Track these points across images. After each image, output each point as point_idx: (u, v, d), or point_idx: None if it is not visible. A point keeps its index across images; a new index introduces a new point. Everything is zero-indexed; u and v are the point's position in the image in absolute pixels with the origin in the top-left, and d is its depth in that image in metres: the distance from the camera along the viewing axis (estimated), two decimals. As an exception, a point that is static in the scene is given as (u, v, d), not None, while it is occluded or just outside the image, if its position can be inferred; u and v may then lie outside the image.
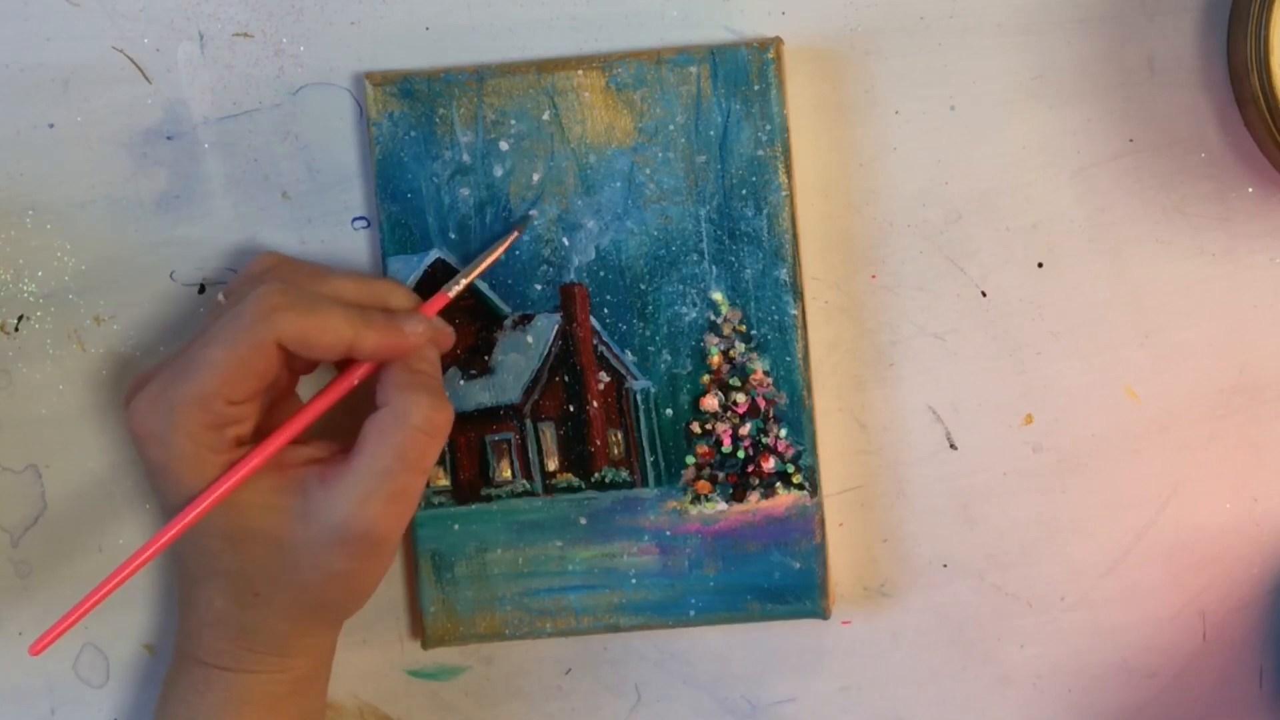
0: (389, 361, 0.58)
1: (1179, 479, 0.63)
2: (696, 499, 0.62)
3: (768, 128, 0.60)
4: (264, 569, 0.57)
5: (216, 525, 0.56)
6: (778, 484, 0.62)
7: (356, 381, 0.58)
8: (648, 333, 0.62)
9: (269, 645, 0.58)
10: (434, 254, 0.62)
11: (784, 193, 0.61)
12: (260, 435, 0.57)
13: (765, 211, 0.61)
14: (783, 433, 0.62)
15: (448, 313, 0.61)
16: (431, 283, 0.62)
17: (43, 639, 0.55)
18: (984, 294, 0.63)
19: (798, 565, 0.62)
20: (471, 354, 0.62)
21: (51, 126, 0.63)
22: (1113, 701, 0.65)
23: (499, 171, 0.61)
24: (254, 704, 0.59)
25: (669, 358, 0.62)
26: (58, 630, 0.55)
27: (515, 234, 0.61)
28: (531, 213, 0.61)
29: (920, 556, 0.64)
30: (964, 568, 0.64)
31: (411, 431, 0.56)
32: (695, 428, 0.62)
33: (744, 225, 0.61)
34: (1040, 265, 0.62)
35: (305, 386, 0.62)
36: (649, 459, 0.62)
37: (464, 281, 0.60)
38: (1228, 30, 0.61)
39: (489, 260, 0.61)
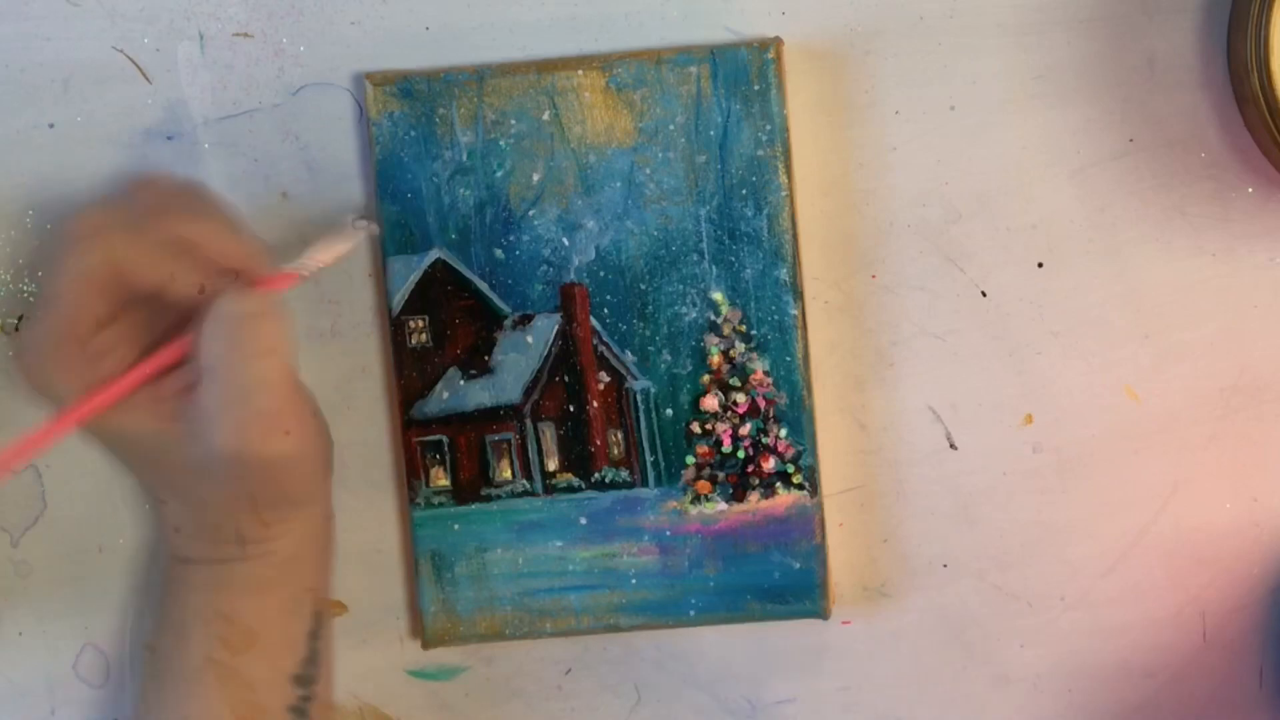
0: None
1: (1179, 479, 0.63)
2: (696, 499, 0.62)
3: (768, 128, 0.60)
4: (183, 486, 0.56)
5: (121, 451, 0.57)
6: (778, 484, 0.62)
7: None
8: (648, 333, 0.62)
9: (237, 537, 0.57)
10: (434, 254, 0.62)
11: (784, 193, 0.61)
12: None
13: (765, 211, 0.61)
14: (783, 433, 0.62)
15: (450, 310, 0.61)
16: (431, 283, 0.62)
17: None
18: (984, 294, 0.63)
19: (798, 565, 0.62)
20: (471, 354, 0.62)
21: (51, 126, 0.63)
22: (1113, 701, 0.65)
23: (499, 171, 0.61)
24: (238, 588, 0.57)
25: (669, 358, 0.62)
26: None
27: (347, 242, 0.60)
28: (361, 222, 0.61)
29: (920, 556, 0.64)
30: (964, 568, 0.64)
31: (226, 323, 0.54)
32: (695, 428, 0.62)
33: (744, 225, 0.61)
34: (1040, 265, 0.62)
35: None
36: (649, 459, 0.62)
37: (303, 270, 0.58)
38: (1228, 30, 0.61)
39: (325, 255, 0.59)
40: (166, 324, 0.57)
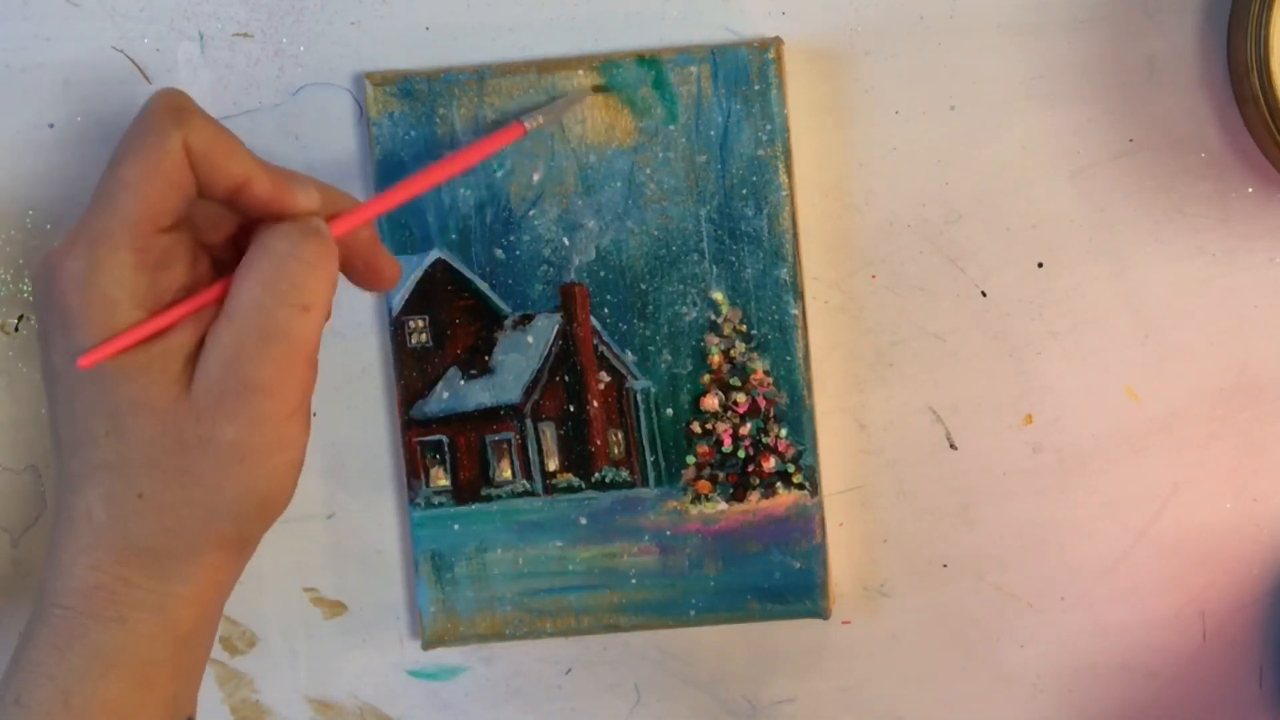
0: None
1: (1179, 479, 0.63)
2: (697, 499, 0.62)
3: (768, 127, 0.60)
4: (147, 454, 0.50)
5: (97, 401, 0.50)
6: (778, 484, 0.62)
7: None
8: (648, 332, 0.62)
9: (152, 572, 0.51)
10: (434, 254, 0.62)
11: (784, 192, 0.61)
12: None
13: (766, 211, 0.61)
14: (783, 432, 0.62)
15: (450, 309, 0.61)
16: (432, 283, 0.62)
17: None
18: (984, 294, 0.63)
19: (798, 565, 0.62)
20: (472, 354, 0.62)
21: (51, 126, 0.63)
22: (1113, 701, 0.65)
23: (499, 171, 0.61)
24: (124, 668, 0.51)
25: (669, 357, 0.62)
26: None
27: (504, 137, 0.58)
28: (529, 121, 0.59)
29: (920, 556, 0.64)
30: (964, 568, 0.64)
31: (278, 259, 0.50)
32: (695, 427, 0.62)
33: (744, 225, 0.61)
34: (1040, 265, 0.62)
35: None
36: (649, 459, 0.62)
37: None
38: (1228, 30, 0.61)
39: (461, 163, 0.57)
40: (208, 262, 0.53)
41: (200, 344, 0.51)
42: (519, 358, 0.62)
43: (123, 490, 0.51)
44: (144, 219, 0.50)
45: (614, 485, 0.62)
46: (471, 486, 0.63)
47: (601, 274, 0.62)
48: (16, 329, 0.64)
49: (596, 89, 0.60)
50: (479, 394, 0.63)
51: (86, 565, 0.51)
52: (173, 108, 0.51)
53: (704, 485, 0.62)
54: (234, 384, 0.50)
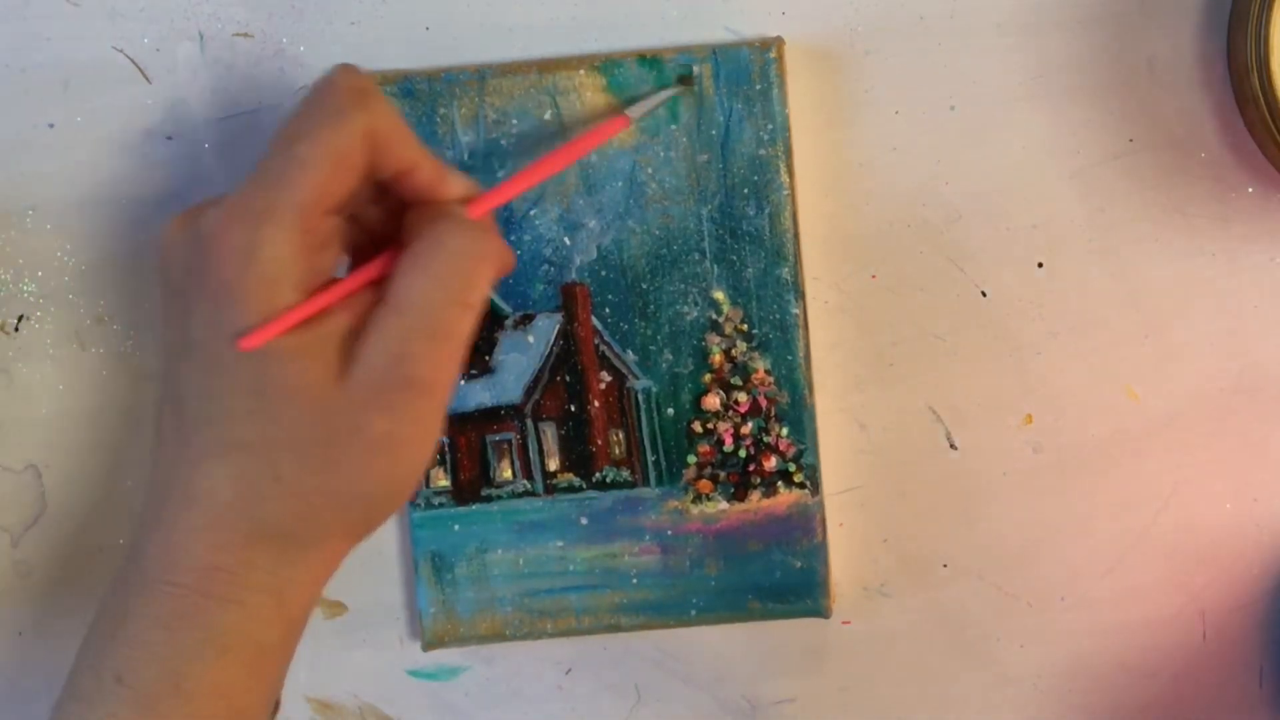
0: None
1: (1179, 479, 0.63)
2: (698, 498, 0.62)
3: (769, 127, 0.61)
4: (292, 437, 0.49)
5: (244, 379, 0.49)
6: (779, 483, 0.62)
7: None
8: (649, 332, 0.62)
9: (276, 556, 0.50)
10: (435, 254, 0.62)
11: (785, 192, 0.61)
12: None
13: (767, 210, 0.61)
14: (784, 431, 0.62)
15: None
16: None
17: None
18: (984, 294, 0.63)
19: (799, 564, 0.62)
20: (472, 354, 0.62)
21: (51, 126, 0.63)
22: (1113, 701, 0.65)
23: (500, 171, 0.61)
24: (238, 651, 0.49)
25: (670, 357, 0.62)
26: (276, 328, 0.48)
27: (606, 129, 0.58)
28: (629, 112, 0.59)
29: (920, 556, 0.64)
30: (964, 568, 0.64)
31: (451, 257, 0.50)
32: (697, 427, 0.62)
33: (745, 224, 0.61)
34: (1040, 265, 0.62)
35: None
36: (650, 458, 0.62)
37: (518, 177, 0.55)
38: (1228, 30, 0.61)
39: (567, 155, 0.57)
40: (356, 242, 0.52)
41: (353, 329, 0.50)
42: (520, 357, 0.62)
43: (259, 471, 0.49)
44: (315, 200, 0.49)
45: (615, 485, 0.62)
46: (472, 487, 0.63)
47: (603, 273, 0.62)
48: (16, 329, 0.64)
49: (682, 80, 0.60)
50: (479, 394, 0.62)
51: (208, 544, 0.49)
52: (357, 89, 0.50)
53: (705, 485, 0.62)
54: (397, 378, 0.49)
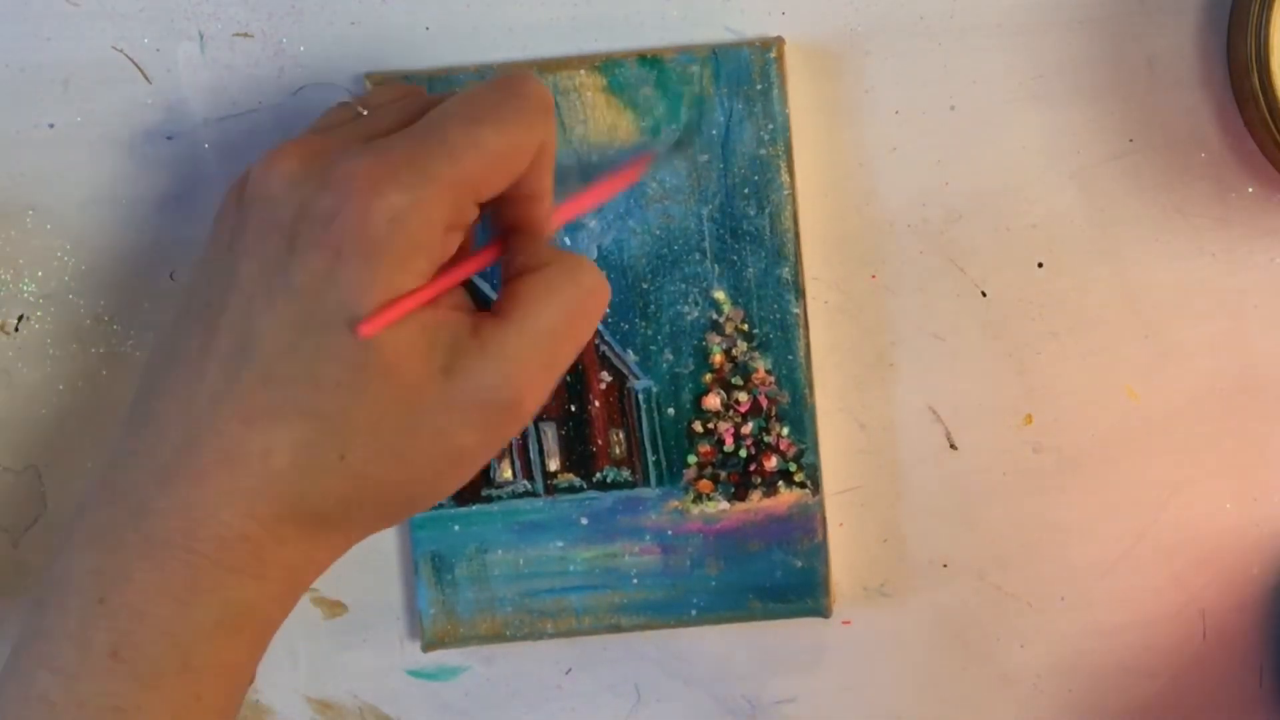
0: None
1: (1179, 479, 0.63)
2: (698, 498, 0.62)
3: (770, 127, 0.61)
4: (373, 420, 0.47)
5: (348, 350, 0.46)
6: (780, 482, 0.62)
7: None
8: (650, 332, 0.62)
9: (307, 535, 0.47)
10: (435, 254, 0.62)
11: (786, 192, 0.61)
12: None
13: (767, 210, 0.61)
14: (785, 431, 0.62)
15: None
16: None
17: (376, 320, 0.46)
18: (984, 294, 0.63)
19: (800, 564, 0.62)
20: (472, 354, 0.62)
21: (51, 126, 0.63)
22: (1113, 701, 0.65)
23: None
24: (250, 630, 0.47)
25: (671, 357, 0.62)
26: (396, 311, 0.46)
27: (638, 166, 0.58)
28: (655, 150, 0.60)
29: (920, 556, 0.64)
30: (964, 568, 0.64)
31: (583, 292, 0.50)
32: (697, 427, 0.62)
33: (746, 224, 0.61)
34: (1040, 265, 0.62)
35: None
36: (651, 458, 0.62)
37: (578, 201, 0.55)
38: (1228, 30, 0.61)
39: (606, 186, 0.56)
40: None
41: (467, 335, 0.48)
42: (520, 357, 0.62)
43: (326, 446, 0.47)
44: (474, 185, 0.48)
45: (615, 485, 0.62)
46: (472, 487, 0.63)
47: (603, 273, 0.61)
48: (16, 329, 0.64)
49: (679, 144, 0.60)
50: (480, 394, 0.62)
51: (240, 512, 0.46)
52: (547, 104, 0.50)
53: (706, 485, 0.62)
54: (502, 398, 0.48)
